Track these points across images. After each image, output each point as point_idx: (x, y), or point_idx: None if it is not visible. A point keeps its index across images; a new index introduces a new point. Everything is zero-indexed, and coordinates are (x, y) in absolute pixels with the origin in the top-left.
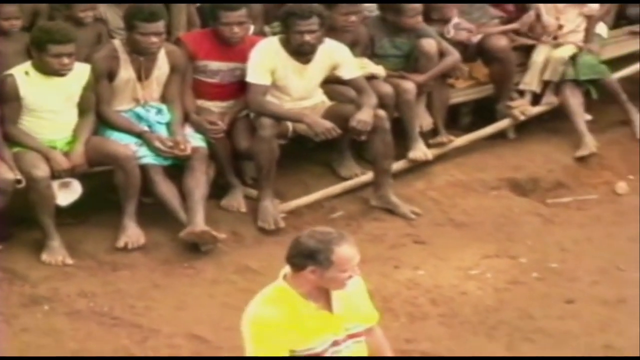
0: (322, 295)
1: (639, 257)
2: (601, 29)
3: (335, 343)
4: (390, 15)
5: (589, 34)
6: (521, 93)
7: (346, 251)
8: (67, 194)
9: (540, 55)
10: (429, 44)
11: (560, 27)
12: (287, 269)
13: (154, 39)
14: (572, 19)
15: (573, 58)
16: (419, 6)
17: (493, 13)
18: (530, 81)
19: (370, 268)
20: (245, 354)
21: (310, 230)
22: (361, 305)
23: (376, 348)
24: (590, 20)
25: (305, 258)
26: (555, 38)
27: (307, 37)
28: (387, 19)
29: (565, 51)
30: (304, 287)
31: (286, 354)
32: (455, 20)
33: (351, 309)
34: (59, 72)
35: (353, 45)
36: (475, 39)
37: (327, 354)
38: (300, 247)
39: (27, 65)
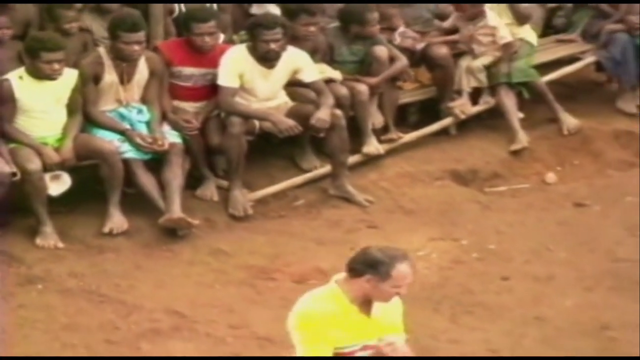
0: (366, 304)
1: (566, 238)
2: (532, 37)
3: (365, 347)
4: (355, 27)
5: (505, 58)
6: (460, 94)
7: (405, 270)
8: (58, 185)
9: (464, 61)
10: (381, 51)
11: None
12: (340, 275)
13: (136, 47)
14: (484, 43)
15: (488, 67)
16: (377, 16)
17: (436, 24)
18: (459, 82)
19: (328, 250)
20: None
21: (381, 246)
22: (396, 320)
23: None
24: (505, 47)
25: (367, 267)
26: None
27: (273, 45)
28: (351, 29)
29: (481, 61)
30: (354, 292)
31: (331, 351)
32: (402, 29)
33: (388, 321)
34: (50, 77)
35: (313, 52)
36: (420, 46)
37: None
38: (366, 256)
39: (21, 70)
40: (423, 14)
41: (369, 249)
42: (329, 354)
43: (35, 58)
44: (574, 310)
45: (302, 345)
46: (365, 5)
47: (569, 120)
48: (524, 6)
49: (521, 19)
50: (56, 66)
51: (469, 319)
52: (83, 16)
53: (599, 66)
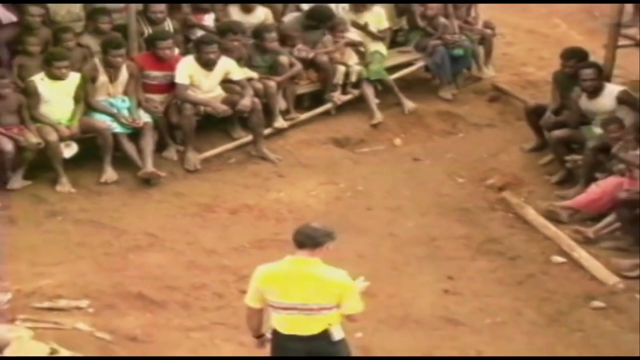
0: None
1: (408, 182)
2: (383, 50)
3: None
4: (260, 41)
5: (362, 58)
6: (336, 87)
7: None
8: (69, 150)
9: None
10: (284, 59)
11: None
12: (294, 256)
13: (119, 59)
14: (348, 55)
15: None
16: (275, 35)
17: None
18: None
19: (252, 192)
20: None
21: (313, 222)
22: None
23: None
24: (360, 53)
25: (328, 236)
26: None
27: (211, 56)
28: (259, 44)
29: (355, 67)
30: (322, 259)
31: None
32: (299, 46)
33: None
34: (60, 78)
35: (238, 60)
36: (310, 56)
37: None
38: (320, 231)
39: (42, 74)
40: (317, 38)
41: (315, 226)
42: None
43: (50, 66)
44: (414, 228)
45: (359, 300)
46: (266, 27)
47: (408, 104)
48: (377, 35)
49: (377, 39)
50: (64, 71)
51: (346, 236)
52: (84, 37)
53: (426, 68)
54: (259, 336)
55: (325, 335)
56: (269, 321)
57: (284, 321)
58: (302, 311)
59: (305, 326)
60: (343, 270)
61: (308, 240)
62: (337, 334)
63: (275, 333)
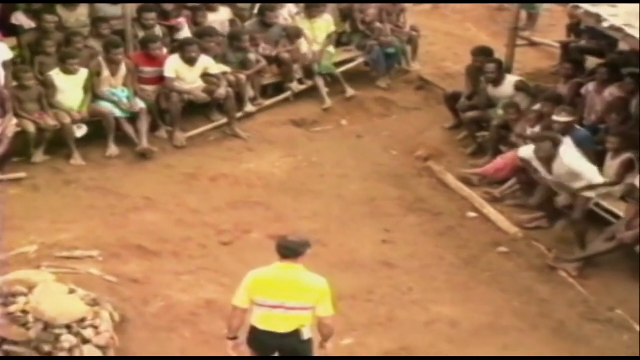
0: None
1: (353, 154)
2: (331, 49)
3: None
4: (236, 42)
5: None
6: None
7: None
8: (80, 131)
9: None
10: (252, 57)
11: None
12: (281, 263)
13: (119, 57)
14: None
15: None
16: (248, 38)
17: (283, 42)
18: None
19: (227, 164)
20: (329, 301)
21: (290, 235)
22: None
23: None
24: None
25: (306, 246)
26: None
27: (194, 54)
28: (233, 44)
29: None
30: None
31: None
32: (263, 45)
33: None
34: (73, 73)
35: (215, 58)
36: (273, 54)
37: None
38: (299, 243)
39: (57, 70)
40: (276, 37)
41: (289, 240)
42: None
43: (64, 63)
44: (358, 191)
45: (332, 305)
46: (240, 31)
47: (351, 92)
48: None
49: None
50: (75, 67)
51: (303, 198)
52: (90, 40)
53: (366, 63)
54: (234, 338)
55: (296, 333)
56: (249, 320)
57: (264, 317)
58: (282, 309)
59: (281, 324)
60: (322, 277)
61: (289, 252)
62: (307, 334)
63: (253, 328)
